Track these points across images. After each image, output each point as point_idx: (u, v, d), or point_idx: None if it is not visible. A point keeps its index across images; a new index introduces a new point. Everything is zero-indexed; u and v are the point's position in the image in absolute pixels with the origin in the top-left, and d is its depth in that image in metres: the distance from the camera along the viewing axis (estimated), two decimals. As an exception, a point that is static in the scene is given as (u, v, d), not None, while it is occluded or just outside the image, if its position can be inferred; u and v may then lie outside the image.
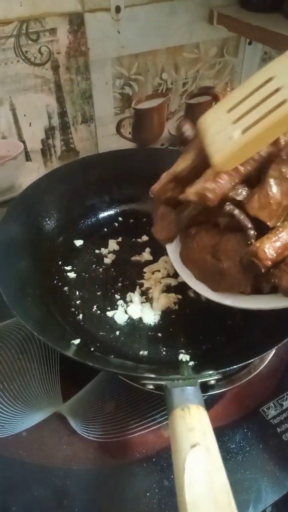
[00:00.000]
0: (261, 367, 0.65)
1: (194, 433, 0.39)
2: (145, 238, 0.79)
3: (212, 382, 0.49)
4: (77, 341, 0.59)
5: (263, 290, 0.52)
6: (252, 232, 0.49)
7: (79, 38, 0.80)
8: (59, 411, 0.61)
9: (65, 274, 0.73)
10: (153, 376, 0.49)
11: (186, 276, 0.61)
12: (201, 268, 0.58)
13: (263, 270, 0.47)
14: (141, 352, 0.61)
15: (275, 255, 0.46)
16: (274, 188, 0.48)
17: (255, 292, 0.52)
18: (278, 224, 0.49)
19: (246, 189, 0.51)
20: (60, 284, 0.71)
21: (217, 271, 0.54)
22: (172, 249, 0.63)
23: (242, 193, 0.50)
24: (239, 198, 0.50)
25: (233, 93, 0.49)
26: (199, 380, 0.46)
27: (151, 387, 0.49)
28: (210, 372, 0.48)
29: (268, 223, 0.48)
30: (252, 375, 0.64)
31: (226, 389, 0.62)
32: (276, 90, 0.44)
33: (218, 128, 0.48)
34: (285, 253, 0.47)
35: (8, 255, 0.64)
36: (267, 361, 0.66)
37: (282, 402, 0.62)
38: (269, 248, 0.46)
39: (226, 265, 0.53)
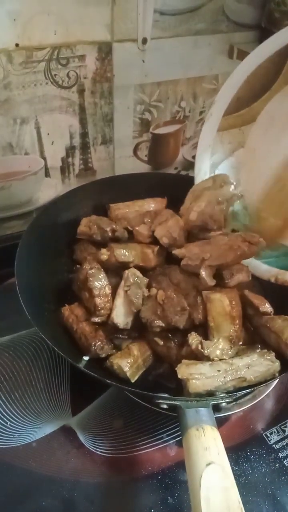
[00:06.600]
0: (266, 393, 0.67)
1: (209, 452, 0.41)
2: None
3: (223, 404, 0.51)
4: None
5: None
6: None
7: (106, 65, 0.83)
8: (68, 424, 0.63)
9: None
10: (167, 396, 0.51)
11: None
12: None
13: None
14: (153, 372, 0.62)
15: None
16: None
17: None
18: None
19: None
20: (72, 299, 0.72)
21: None
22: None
23: None
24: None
25: None
26: (212, 402, 0.48)
27: (165, 406, 0.51)
28: (223, 394, 0.50)
29: None
30: (257, 400, 0.66)
31: (231, 413, 0.64)
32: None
33: None
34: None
35: (28, 271, 0.66)
36: (272, 387, 0.68)
37: (285, 428, 0.63)
38: None
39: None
